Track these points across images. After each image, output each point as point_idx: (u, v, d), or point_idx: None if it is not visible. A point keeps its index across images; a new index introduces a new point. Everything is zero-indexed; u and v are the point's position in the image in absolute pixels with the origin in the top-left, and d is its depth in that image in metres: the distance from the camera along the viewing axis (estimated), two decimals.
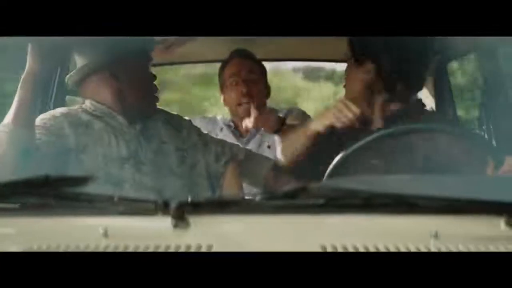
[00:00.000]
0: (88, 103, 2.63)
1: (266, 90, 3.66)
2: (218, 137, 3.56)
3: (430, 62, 2.64)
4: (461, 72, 3.75)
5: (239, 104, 3.57)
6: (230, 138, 3.60)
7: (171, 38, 3.28)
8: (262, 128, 3.46)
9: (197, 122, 3.69)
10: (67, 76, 2.66)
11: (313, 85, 15.00)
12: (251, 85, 3.54)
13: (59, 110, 2.60)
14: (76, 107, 2.65)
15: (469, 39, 3.00)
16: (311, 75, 14.80)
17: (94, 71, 2.57)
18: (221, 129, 3.74)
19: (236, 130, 3.71)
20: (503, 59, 3.01)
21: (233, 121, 3.74)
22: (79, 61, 2.59)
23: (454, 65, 3.54)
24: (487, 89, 3.11)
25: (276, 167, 2.99)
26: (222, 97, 3.69)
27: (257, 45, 3.59)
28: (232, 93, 3.57)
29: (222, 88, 3.65)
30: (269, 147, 3.46)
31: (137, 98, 2.61)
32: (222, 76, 3.64)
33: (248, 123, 3.14)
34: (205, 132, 3.57)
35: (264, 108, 3.15)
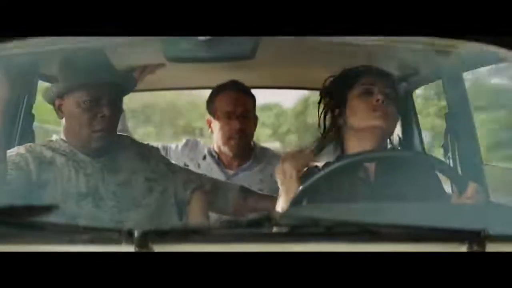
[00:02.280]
0: (55, 139, 2.66)
1: (255, 122, 3.67)
2: (201, 166, 3.62)
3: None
4: (426, 99, 3.77)
5: (230, 138, 3.56)
6: (214, 168, 3.62)
7: (138, 67, 3.28)
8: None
9: (179, 149, 3.70)
10: (45, 91, 2.69)
11: None
12: (244, 120, 3.54)
13: (23, 147, 2.62)
14: (43, 142, 2.67)
15: (434, 65, 3.03)
16: None
17: (49, 95, 2.61)
18: (204, 157, 3.70)
19: (219, 160, 3.67)
20: (468, 84, 3.04)
21: (216, 151, 3.69)
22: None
23: (419, 92, 3.56)
24: (453, 116, 3.13)
25: (243, 192, 3.00)
26: (210, 123, 3.67)
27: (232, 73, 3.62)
28: (225, 126, 3.55)
29: (213, 115, 3.62)
30: (261, 190, 3.45)
31: (84, 131, 2.59)
32: (213, 104, 3.60)
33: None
34: (187, 159, 3.59)
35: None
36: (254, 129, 3.69)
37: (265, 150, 3.77)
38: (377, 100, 2.44)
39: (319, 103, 2.64)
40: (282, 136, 20.32)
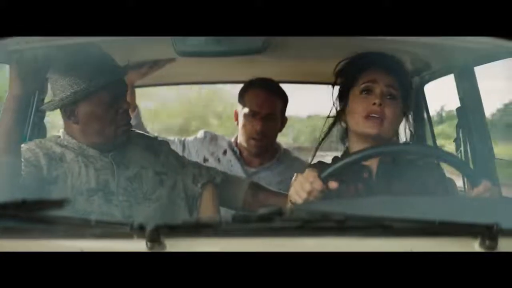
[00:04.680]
0: (62, 135, 2.66)
1: (281, 122, 3.65)
2: (221, 161, 3.63)
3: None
4: (438, 93, 3.75)
5: (251, 138, 3.56)
6: (234, 165, 3.63)
7: (148, 62, 3.29)
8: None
9: (197, 142, 3.70)
10: (43, 106, 2.73)
11: None
12: (268, 122, 3.53)
13: (33, 142, 2.64)
14: (51, 138, 2.68)
15: (446, 60, 3.02)
16: None
17: (64, 105, 2.59)
18: (225, 152, 3.70)
19: (241, 157, 3.67)
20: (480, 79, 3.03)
21: (237, 145, 3.69)
22: (53, 87, 2.60)
23: (431, 86, 3.54)
24: (464, 110, 3.12)
25: (253, 187, 3.00)
26: (236, 116, 3.66)
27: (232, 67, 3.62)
28: (248, 124, 3.54)
29: (240, 109, 3.61)
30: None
31: (108, 129, 2.60)
32: (242, 99, 3.59)
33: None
34: (207, 153, 3.62)
35: None
36: (281, 129, 3.68)
37: (288, 152, 3.77)
38: (374, 104, 2.42)
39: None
40: None
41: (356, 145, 2.47)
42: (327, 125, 2.60)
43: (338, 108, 2.56)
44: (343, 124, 2.55)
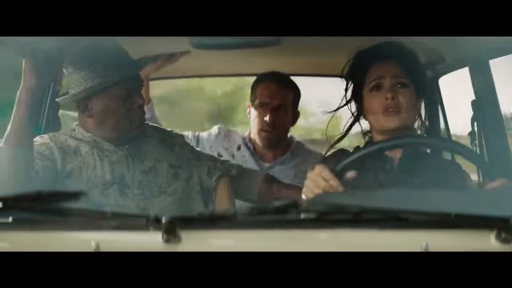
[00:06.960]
0: (76, 128, 2.66)
1: (293, 116, 3.65)
2: (235, 156, 3.62)
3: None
4: (453, 86, 3.73)
5: (262, 130, 3.56)
6: (248, 160, 3.63)
7: (163, 55, 3.28)
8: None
9: (211, 138, 3.70)
10: (58, 99, 2.72)
11: None
12: (278, 114, 3.54)
13: (47, 135, 2.63)
14: (66, 131, 2.69)
15: (461, 53, 3.02)
16: None
17: (79, 99, 2.60)
18: (239, 148, 3.70)
19: (255, 152, 3.67)
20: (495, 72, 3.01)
21: (251, 141, 3.69)
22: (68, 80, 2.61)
23: (446, 79, 3.53)
24: (479, 103, 3.11)
25: (268, 180, 2.99)
26: (249, 110, 3.66)
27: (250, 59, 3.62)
28: (259, 116, 3.55)
29: (252, 102, 3.62)
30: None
31: (122, 124, 2.61)
32: (254, 92, 3.61)
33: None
34: (221, 149, 3.62)
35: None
36: (293, 124, 3.68)
37: (301, 145, 3.76)
38: (387, 98, 2.43)
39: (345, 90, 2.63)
40: None
41: (379, 137, 2.48)
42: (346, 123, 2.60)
43: (356, 111, 2.57)
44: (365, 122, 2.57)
